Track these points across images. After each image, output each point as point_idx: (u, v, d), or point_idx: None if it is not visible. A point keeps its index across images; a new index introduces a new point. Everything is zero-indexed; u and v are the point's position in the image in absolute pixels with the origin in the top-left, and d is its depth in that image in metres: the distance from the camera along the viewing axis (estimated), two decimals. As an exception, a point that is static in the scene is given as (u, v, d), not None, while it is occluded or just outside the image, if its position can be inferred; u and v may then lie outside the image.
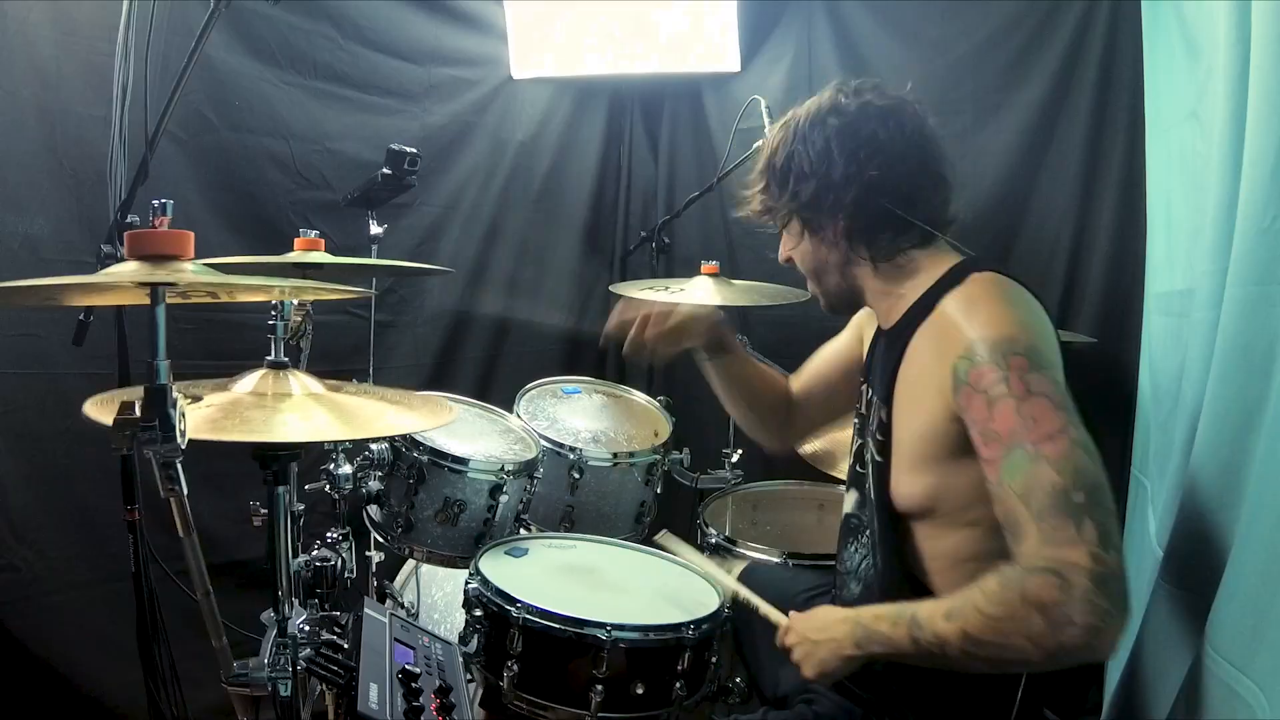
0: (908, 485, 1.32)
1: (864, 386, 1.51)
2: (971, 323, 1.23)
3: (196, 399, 1.23)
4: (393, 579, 2.25)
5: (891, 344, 1.38)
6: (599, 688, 1.44)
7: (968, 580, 1.18)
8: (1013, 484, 1.12)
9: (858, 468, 1.48)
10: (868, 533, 1.42)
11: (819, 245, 1.43)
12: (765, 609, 1.46)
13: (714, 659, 1.56)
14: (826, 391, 1.76)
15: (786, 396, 1.82)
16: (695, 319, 1.73)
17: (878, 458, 1.37)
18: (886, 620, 1.22)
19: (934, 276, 1.35)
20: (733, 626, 1.69)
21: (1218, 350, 1.45)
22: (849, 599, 1.46)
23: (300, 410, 1.32)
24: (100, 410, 1.19)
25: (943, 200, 1.39)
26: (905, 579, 1.33)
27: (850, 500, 1.51)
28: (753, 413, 1.83)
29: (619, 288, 2.69)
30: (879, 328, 1.49)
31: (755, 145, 1.52)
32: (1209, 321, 1.53)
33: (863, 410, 1.49)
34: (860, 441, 1.48)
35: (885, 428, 1.35)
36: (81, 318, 1.83)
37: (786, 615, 1.42)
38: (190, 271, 1.12)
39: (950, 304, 1.28)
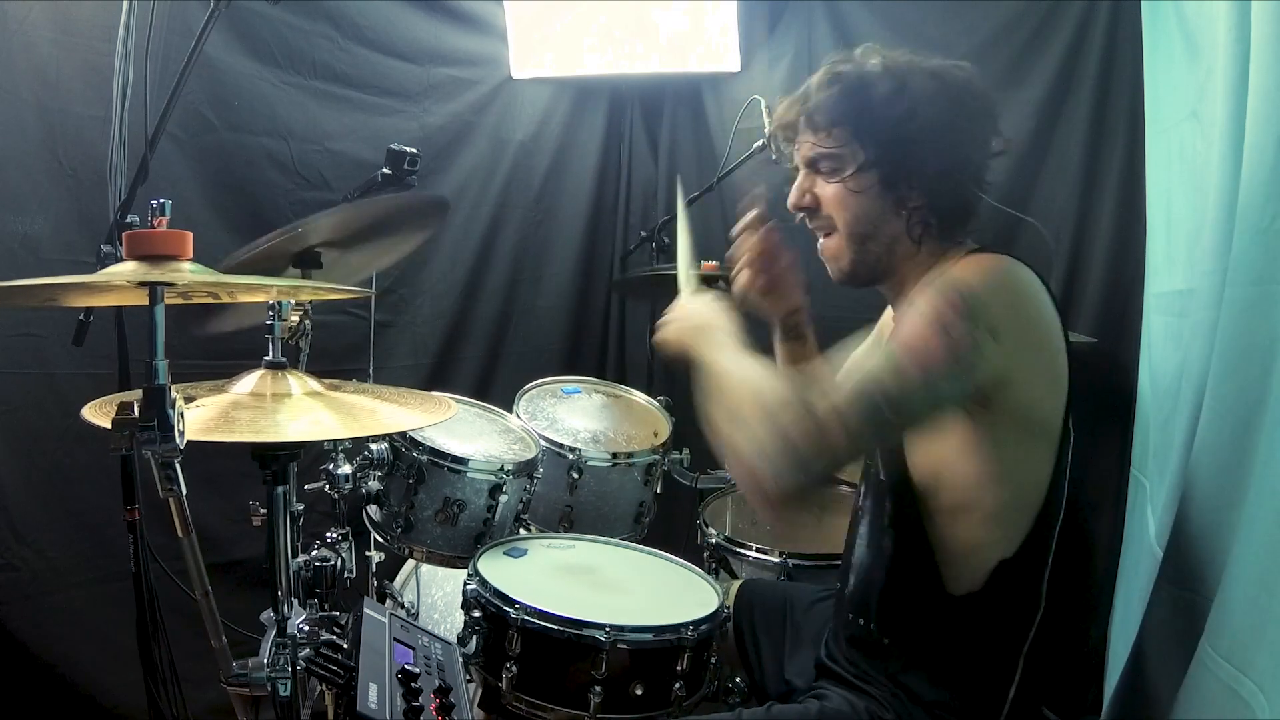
0: (921, 456, 1.30)
1: None
2: (950, 268, 1.27)
3: (190, 399, 1.23)
4: (392, 579, 2.25)
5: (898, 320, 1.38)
6: (598, 688, 1.44)
7: (969, 566, 1.21)
8: (872, 365, 1.17)
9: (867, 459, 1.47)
10: (870, 518, 1.42)
11: (882, 208, 1.32)
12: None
13: (713, 659, 1.56)
14: None
15: None
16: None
17: None
18: (729, 349, 1.30)
19: (950, 262, 1.34)
20: (738, 636, 1.69)
21: (1218, 350, 1.45)
22: (856, 594, 1.45)
23: (299, 409, 1.32)
24: (99, 414, 1.19)
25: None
26: (909, 561, 1.32)
27: (860, 492, 1.51)
28: None
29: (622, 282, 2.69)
30: (891, 313, 1.49)
31: (794, 95, 1.38)
32: (1209, 321, 1.53)
33: None
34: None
35: None
36: (81, 318, 1.83)
37: (785, 628, 1.43)
38: (189, 271, 1.12)
39: (947, 268, 1.30)
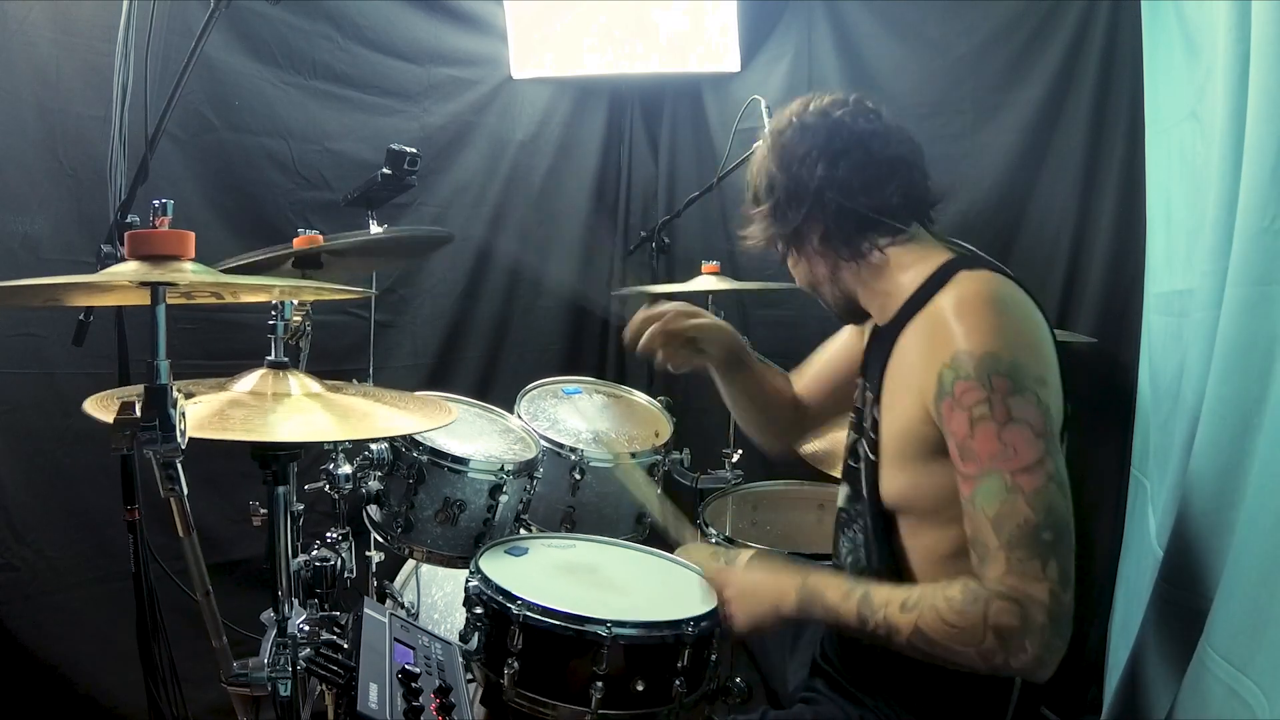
0: (891, 481, 1.34)
1: (860, 382, 1.52)
2: (959, 329, 1.22)
3: (189, 395, 1.23)
4: (393, 579, 2.25)
5: (883, 342, 1.39)
6: (599, 685, 1.44)
7: (948, 576, 1.21)
8: (986, 508, 1.17)
9: (850, 462, 1.49)
10: (857, 527, 1.43)
11: (807, 261, 1.47)
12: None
13: (713, 656, 1.56)
14: (831, 391, 1.76)
15: (793, 401, 1.82)
16: (713, 326, 1.71)
17: (870, 455, 1.37)
18: (837, 590, 1.29)
19: (924, 273, 1.34)
20: None
21: (1218, 350, 1.46)
22: None
23: (300, 410, 1.32)
24: (100, 409, 1.19)
25: (903, 186, 1.38)
26: (892, 573, 1.33)
27: (842, 494, 1.53)
28: (762, 420, 1.83)
29: (621, 292, 2.69)
30: (875, 325, 1.49)
31: (751, 153, 1.58)
32: (1209, 321, 1.53)
33: (859, 406, 1.50)
34: (855, 437, 1.48)
35: (877, 426, 1.36)
36: (81, 318, 1.83)
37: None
38: (190, 271, 1.12)
39: (940, 304, 1.27)
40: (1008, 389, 1.17)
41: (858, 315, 1.52)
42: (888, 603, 1.23)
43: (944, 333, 1.24)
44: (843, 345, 1.74)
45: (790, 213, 1.41)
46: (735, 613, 1.42)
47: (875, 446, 1.36)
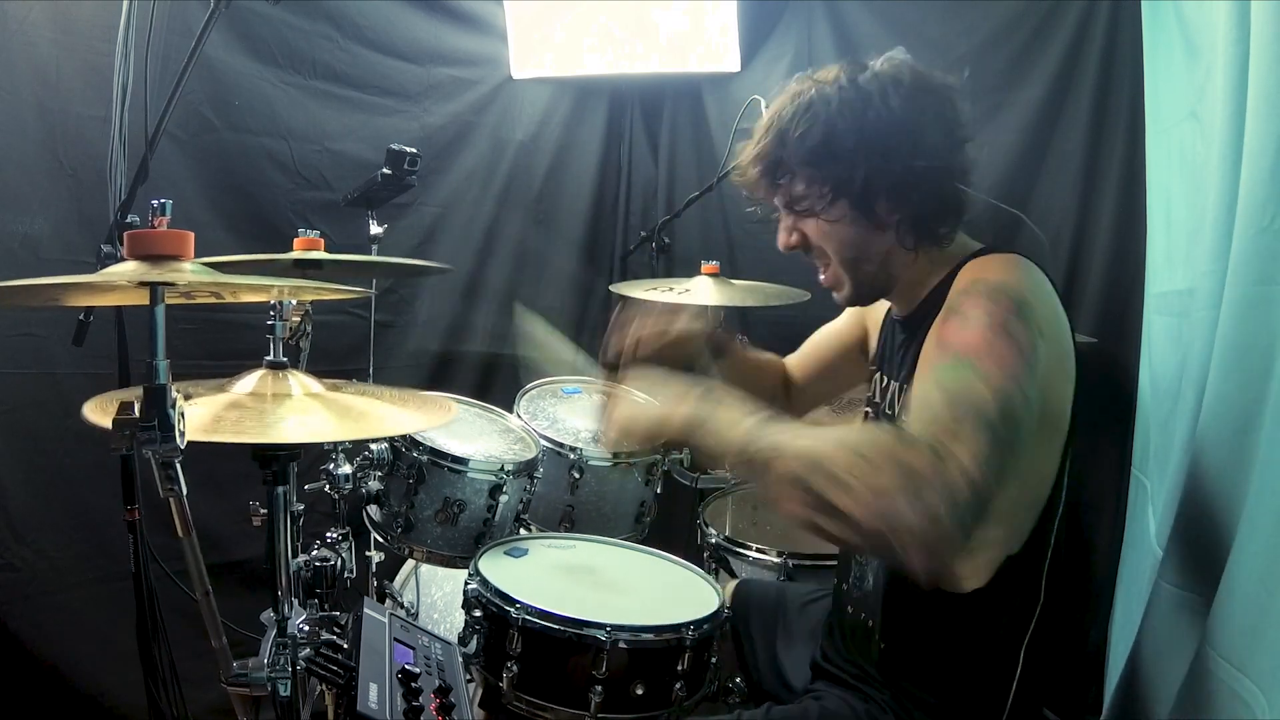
0: None
1: (878, 375, 1.49)
2: (978, 271, 1.23)
3: (187, 396, 1.23)
4: (392, 579, 2.25)
5: (913, 331, 1.36)
6: (598, 688, 1.44)
7: (977, 563, 1.20)
8: (946, 381, 1.09)
9: None
10: None
11: (864, 230, 1.32)
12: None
13: (713, 659, 1.56)
14: (826, 373, 1.76)
15: (784, 381, 1.81)
16: (683, 336, 1.65)
17: None
18: (736, 411, 1.15)
19: (954, 262, 1.32)
20: (732, 627, 1.69)
21: (1218, 350, 1.46)
22: (864, 592, 1.45)
23: (299, 410, 1.32)
24: (100, 412, 1.19)
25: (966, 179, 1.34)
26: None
27: None
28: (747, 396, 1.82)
29: (620, 287, 2.69)
30: (891, 317, 1.47)
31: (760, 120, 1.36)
32: (1209, 321, 1.53)
33: (876, 399, 1.48)
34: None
35: (894, 403, 1.36)
36: (81, 318, 1.83)
37: (777, 628, 1.40)
38: (190, 271, 1.12)
39: (970, 266, 1.27)
40: (1010, 309, 1.14)
41: (874, 299, 1.46)
42: (784, 430, 1.08)
43: (963, 279, 1.24)
44: (837, 331, 1.73)
45: (881, 179, 1.26)
46: (614, 411, 1.30)
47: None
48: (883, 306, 1.52)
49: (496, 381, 3.11)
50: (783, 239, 1.41)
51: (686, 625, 1.50)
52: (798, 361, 1.82)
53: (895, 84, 1.28)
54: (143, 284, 1.10)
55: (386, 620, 1.52)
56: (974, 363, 1.09)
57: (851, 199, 1.30)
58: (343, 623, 1.58)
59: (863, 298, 1.43)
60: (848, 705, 1.38)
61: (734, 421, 1.13)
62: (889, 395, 1.42)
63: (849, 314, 1.71)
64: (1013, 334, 1.12)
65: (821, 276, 1.43)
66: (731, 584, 1.85)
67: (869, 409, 1.51)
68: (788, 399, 1.81)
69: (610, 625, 1.44)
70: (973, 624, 1.29)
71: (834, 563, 1.61)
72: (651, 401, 1.30)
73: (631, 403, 1.31)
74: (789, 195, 1.35)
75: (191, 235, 1.14)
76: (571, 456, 2.14)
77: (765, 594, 1.78)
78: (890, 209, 1.30)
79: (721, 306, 2.46)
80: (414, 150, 2.21)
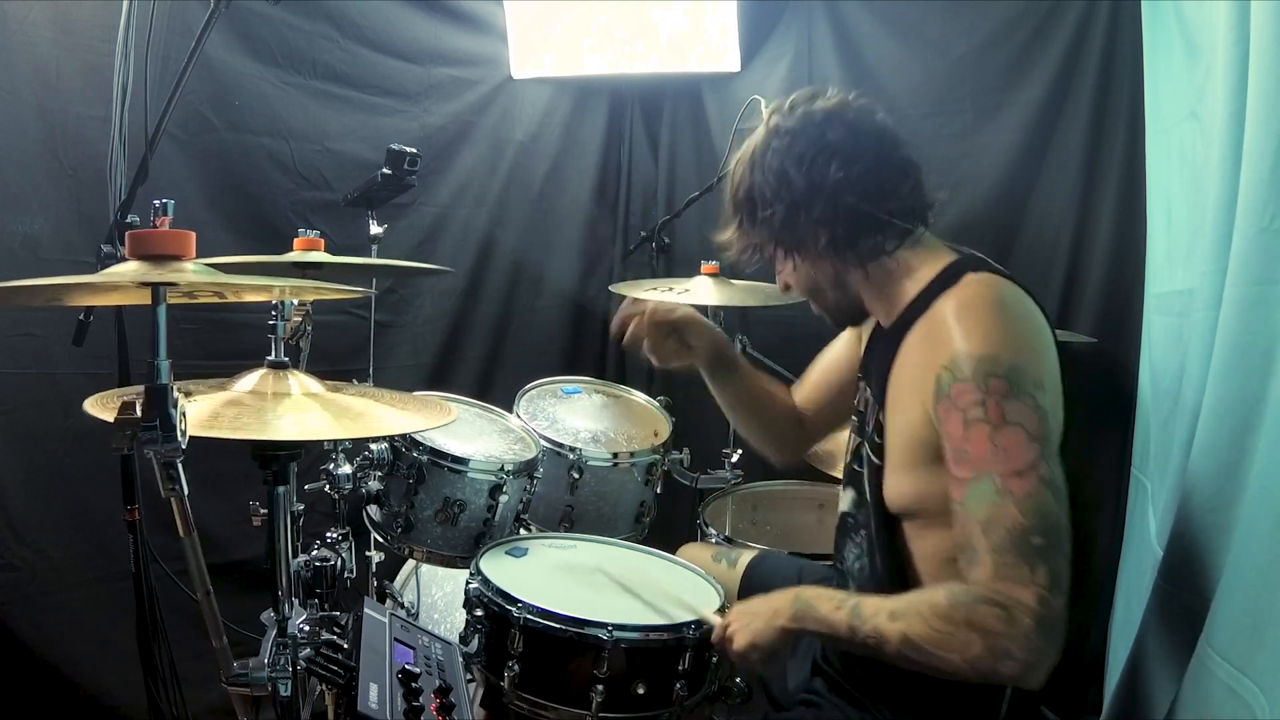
0: (896, 486, 1.32)
1: (861, 384, 1.51)
2: (959, 331, 1.22)
3: (187, 394, 1.23)
4: (393, 579, 2.25)
5: (888, 344, 1.38)
6: (600, 688, 1.44)
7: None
8: (976, 511, 1.16)
9: (854, 466, 1.47)
10: (863, 532, 1.42)
11: (807, 265, 1.42)
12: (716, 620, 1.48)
13: (714, 659, 1.56)
14: (832, 399, 1.75)
15: (794, 411, 1.81)
16: (698, 321, 1.73)
17: (874, 459, 1.37)
18: (829, 602, 1.28)
19: (929, 275, 1.34)
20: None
21: (1217, 350, 1.46)
22: (857, 579, 1.46)
23: (300, 410, 1.32)
24: (101, 408, 1.19)
25: (913, 187, 1.37)
26: (899, 579, 1.33)
27: (846, 499, 1.51)
28: (764, 431, 1.83)
29: (619, 287, 2.69)
30: (878, 325, 1.48)
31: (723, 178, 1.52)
32: (1209, 321, 1.53)
33: (860, 408, 1.49)
34: (858, 440, 1.47)
35: (881, 429, 1.36)
36: (81, 318, 1.83)
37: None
38: (191, 271, 1.12)
39: (943, 306, 1.27)
40: (1004, 392, 1.16)
41: (856, 319, 1.52)
42: (877, 612, 1.21)
43: (944, 335, 1.24)
44: (840, 352, 1.73)
45: (800, 215, 1.34)
46: (735, 633, 1.37)
47: (880, 450, 1.35)
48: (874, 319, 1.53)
49: (496, 381, 3.12)
50: (779, 284, 1.53)
51: (687, 625, 1.50)
52: (805, 392, 1.81)
53: (774, 134, 1.37)
54: (145, 284, 1.10)
55: (387, 620, 1.52)
56: (995, 480, 1.15)
57: (781, 242, 1.40)
58: (343, 623, 1.58)
59: (840, 320, 1.53)
60: (841, 714, 1.38)
61: (831, 616, 1.27)
62: (868, 408, 1.43)
63: (849, 333, 1.71)
64: (1015, 420, 1.16)
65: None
66: (746, 556, 1.84)
67: (854, 417, 1.52)
68: (801, 431, 1.82)
69: (612, 625, 1.45)
70: None
71: (832, 563, 1.61)
72: (752, 613, 1.39)
73: (744, 629, 1.37)
74: (744, 254, 1.48)
75: (193, 235, 1.14)
76: (571, 457, 2.14)
77: (782, 572, 1.77)
78: (813, 240, 1.37)
79: (721, 306, 2.47)
80: (414, 150, 2.21)
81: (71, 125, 2.19)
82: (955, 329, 1.23)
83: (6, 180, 2.12)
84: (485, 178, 3.12)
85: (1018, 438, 1.15)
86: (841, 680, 1.43)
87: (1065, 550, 1.14)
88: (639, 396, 2.57)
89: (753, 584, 1.74)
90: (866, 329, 1.58)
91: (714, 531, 2.14)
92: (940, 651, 1.15)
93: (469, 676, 1.59)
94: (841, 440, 1.60)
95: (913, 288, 1.35)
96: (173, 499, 1.12)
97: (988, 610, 1.12)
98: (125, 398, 1.07)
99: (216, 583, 1.25)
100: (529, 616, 1.47)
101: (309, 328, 1.83)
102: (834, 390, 1.74)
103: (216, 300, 1.52)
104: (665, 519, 2.37)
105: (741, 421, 1.83)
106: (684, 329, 1.72)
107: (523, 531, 2.04)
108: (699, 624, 1.51)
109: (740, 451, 2.47)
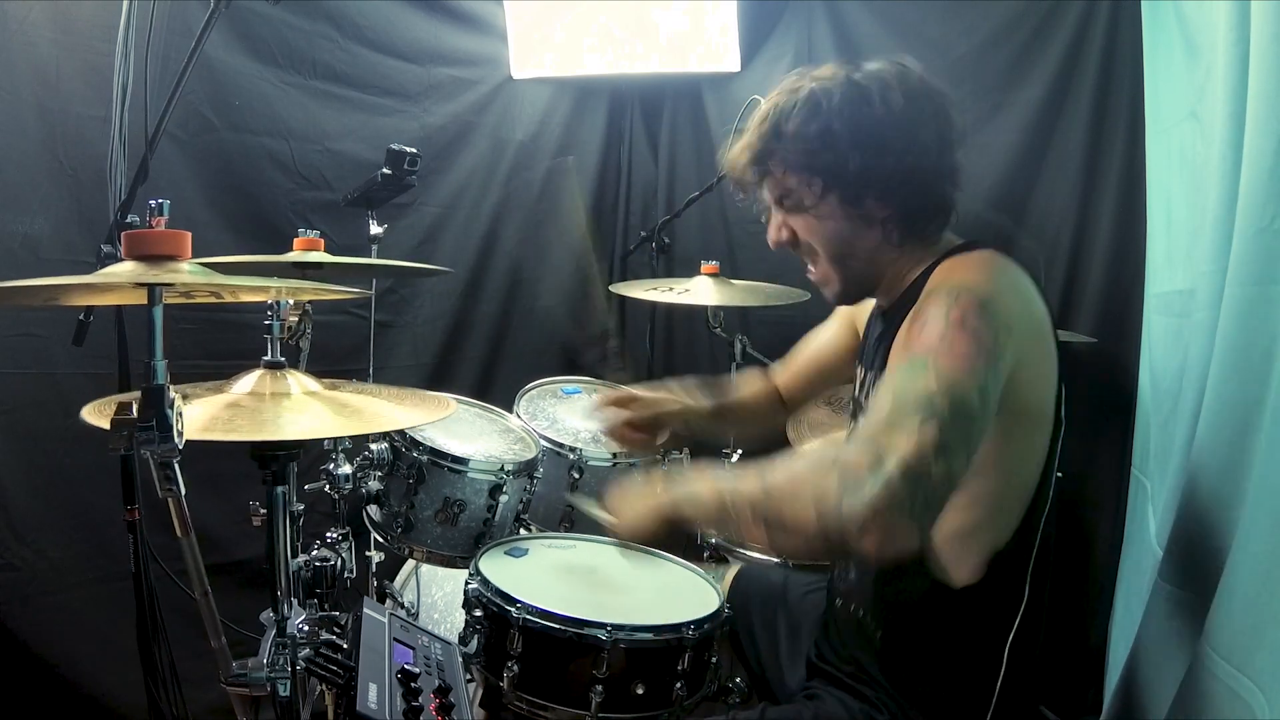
0: None
1: (860, 370, 1.50)
2: (949, 273, 1.25)
3: (184, 396, 1.23)
4: (392, 579, 2.25)
5: (889, 321, 1.37)
6: (599, 688, 1.44)
7: (965, 554, 1.21)
8: (897, 382, 1.13)
9: None
10: None
11: (853, 226, 1.33)
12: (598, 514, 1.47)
13: (714, 659, 1.56)
14: (816, 384, 1.78)
15: (776, 401, 1.82)
16: (651, 403, 1.74)
17: None
18: (706, 480, 1.24)
19: (935, 257, 1.33)
20: (732, 626, 1.69)
21: (1218, 350, 1.46)
22: (849, 583, 1.46)
23: (298, 409, 1.32)
24: (99, 415, 1.19)
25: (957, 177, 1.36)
26: (894, 564, 1.31)
27: None
28: (754, 432, 1.88)
29: (619, 287, 2.69)
30: (878, 307, 1.48)
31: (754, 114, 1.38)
32: (1209, 321, 1.53)
33: (857, 394, 1.49)
34: (854, 426, 1.47)
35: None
36: (81, 318, 1.83)
37: (778, 617, 1.41)
38: (187, 272, 1.12)
39: (943, 267, 1.28)
40: (970, 306, 1.15)
41: (863, 295, 1.47)
42: (747, 477, 1.16)
43: (935, 280, 1.25)
44: (832, 336, 1.73)
45: (872, 176, 1.27)
46: (618, 513, 1.36)
47: None
48: (870, 304, 1.53)
49: (496, 381, 3.12)
50: (772, 235, 1.41)
51: (687, 625, 1.50)
52: (789, 379, 1.81)
53: (893, 84, 1.28)
54: (141, 284, 1.10)
55: (386, 620, 1.52)
56: (928, 360, 1.12)
57: (842, 194, 1.31)
58: (342, 623, 1.58)
59: (851, 295, 1.44)
60: (843, 705, 1.38)
61: (705, 492, 1.22)
62: (867, 387, 1.43)
63: (839, 318, 1.71)
64: (970, 329, 1.13)
65: (810, 273, 1.44)
66: (732, 570, 1.85)
67: (852, 404, 1.52)
68: (782, 412, 1.84)
69: (611, 625, 1.44)
70: (955, 621, 1.29)
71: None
72: (631, 499, 1.37)
73: (625, 513, 1.37)
74: (780, 189, 1.36)
75: (189, 235, 1.14)
76: (571, 456, 2.14)
77: (767, 581, 1.78)
78: (880, 206, 1.31)
79: (721, 306, 2.47)
80: (414, 150, 2.21)
81: (71, 125, 2.19)
82: (946, 274, 1.25)
83: (6, 180, 2.12)
84: (485, 178, 3.12)
85: (968, 341, 1.12)
86: (839, 674, 1.43)
87: (967, 436, 1.08)
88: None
89: (740, 596, 1.74)
90: (862, 316, 1.57)
91: (714, 531, 2.13)
92: (791, 497, 1.08)
93: (468, 677, 1.59)
94: (840, 441, 1.60)
95: (917, 270, 1.35)
96: (170, 499, 1.12)
97: (857, 449, 1.06)
98: (122, 401, 1.07)
99: (216, 583, 1.25)
100: (528, 617, 1.47)
101: (308, 328, 1.83)
102: (819, 376, 1.76)
103: (215, 300, 1.52)
104: (665, 519, 2.36)
105: (737, 438, 1.81)
106: (649, 422, 1.72)
107: (523, 531, 2.04)
108: (699, 624, 1.51)
109: (740, 451, 2.47)
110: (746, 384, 1.85)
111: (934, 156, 1.29)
